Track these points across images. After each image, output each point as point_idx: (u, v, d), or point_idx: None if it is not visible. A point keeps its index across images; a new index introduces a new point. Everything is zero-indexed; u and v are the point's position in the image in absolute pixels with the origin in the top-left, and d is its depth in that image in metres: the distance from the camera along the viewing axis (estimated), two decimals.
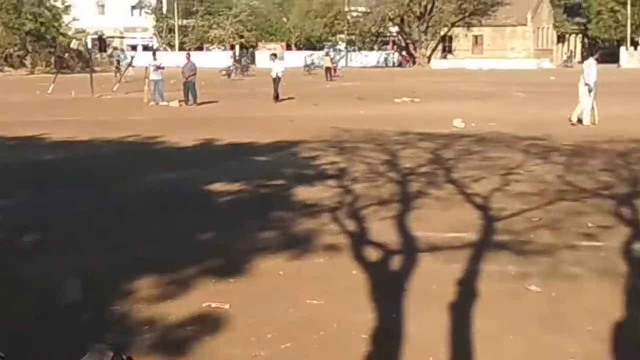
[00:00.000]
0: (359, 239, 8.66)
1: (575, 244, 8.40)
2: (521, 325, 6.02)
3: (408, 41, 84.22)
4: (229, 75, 58.93)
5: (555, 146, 16.53)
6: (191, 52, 38.50)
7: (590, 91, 21.37)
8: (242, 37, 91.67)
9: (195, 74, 30.95)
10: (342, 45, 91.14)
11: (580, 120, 21.24)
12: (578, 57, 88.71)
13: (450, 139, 17.83)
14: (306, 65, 65.21)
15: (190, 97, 30.40)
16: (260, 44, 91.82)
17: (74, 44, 57.59)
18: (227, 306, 6.45)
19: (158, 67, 31.11)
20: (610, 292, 6.73)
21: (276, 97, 31.94)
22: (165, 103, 30.14)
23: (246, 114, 26.18)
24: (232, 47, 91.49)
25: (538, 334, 5.85)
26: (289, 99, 32.19)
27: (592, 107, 21.29)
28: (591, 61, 22.54)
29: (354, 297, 6.66)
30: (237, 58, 70.80)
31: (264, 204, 10.88)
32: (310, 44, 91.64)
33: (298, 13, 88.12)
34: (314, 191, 11.60)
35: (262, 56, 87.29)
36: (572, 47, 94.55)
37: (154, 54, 35.00)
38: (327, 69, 54.58)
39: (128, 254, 8.18)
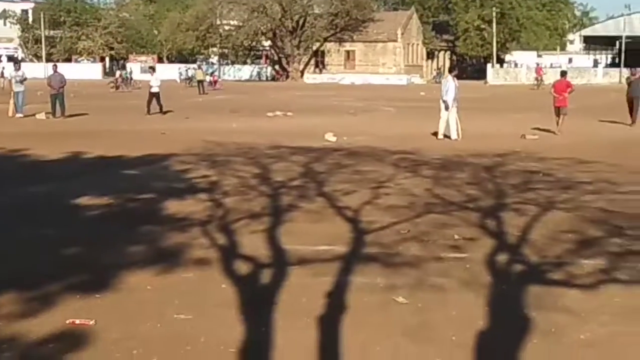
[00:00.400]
0: (229, 253, 8.61)
1: (442, 255, 8.57)
2: (388, 336, 6.09)
3: (281, 55, 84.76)
4: (117, 87, 58.49)
5: (424, 160, 16.87)
6: (59, 64, 37.82)
7: (446, 107, 21.88)
8: (112, 49, 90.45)
9: (64, 86, 30.25)
10: (214, 59, 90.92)
11: (447, 136, 21.73)
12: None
13: (322, 153, 17.96)
14: (187, 79, 64.62)
15: (59, 109, 29.68)
16: (131, 57, 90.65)
17: None
18: (92, 322, 6.29)
19: (22, 79, 30.31)
20: (474, 302, 6.90)
21: (161, 110, 31.71)
22: (20, 115, 29.36)
23: (116, 127, 25.67)
24: (102, 59, 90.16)
25: (404, 345, 5.92)
26: (166, 112, 31.77)
27: (456, 122, 21.76)
28: (449, 78, 23.03)
29: (223, 312, 6.60)
30: (123, 70, 69.79)
31: (132, 217, 10.69)
32: (183, 57, 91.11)
33: (169, 26, 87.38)
34: (184, 205, 11.47)
35: (133, 69, 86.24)
36: (441, 64, 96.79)
37: (17, 65, 34.17)
38: (200, 82, 54.17)
39: None
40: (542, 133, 23.52)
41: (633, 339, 6.05)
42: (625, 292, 7.19)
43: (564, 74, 26.59)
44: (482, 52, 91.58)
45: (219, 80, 65.87)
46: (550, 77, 76.69)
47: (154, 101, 31.69)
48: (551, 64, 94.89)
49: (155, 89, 31.91)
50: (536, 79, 66.84)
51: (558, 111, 24.25)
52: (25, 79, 30.57)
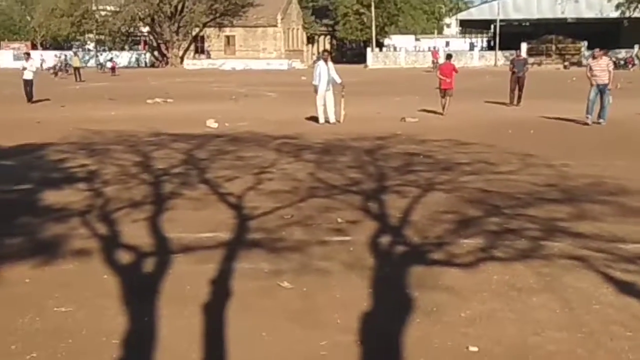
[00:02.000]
0: (111, 243, 8.47)
1: (326, 239, 8.63)
2: (274, 321, 6.11)
3: (160, 41, 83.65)
4: (56, 74, 58.99)
5: (307, 144, 16.95)
6: None
7: (315, 91, 22.07)
8: None
9: None
10: (91, 45, 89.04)
11: (328, 120, 21.89)
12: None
13: (204, 140, 17.84)
14: (54, 67, 63.10)
15: None
16: (3, 44, 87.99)
17: None
18: None
19: None
20: (358, 284, 6.98)
21: (30, 99, 30.82)
22: None
23: None
24: None
25: (290, 330, 5.95)
26: (44, 100, 30.91)
27: (334, 105, 21.96)
28: (319, 62, 23.14)
29: (105, 302, 6.50)
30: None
31: (8, 209, 10.39)
32: (58, 44, 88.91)
33: (43, 11, 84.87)
34: (62, 195, 11.22)
35: (5, 56, 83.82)
36: (321, 48, 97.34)
37: None
38: (76, 69, 52.96)
39: None
40: (423, 115, 23.97)
41: (512, 315, 6.23)
42: (504, 270, 7.38)
43: (449, 57, 27.44)
44: (361, 36, 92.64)
45: (117, 66, 65.52)
46: (428, 61, 78.47)
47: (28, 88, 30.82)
48: (429, 48, 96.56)
49: (28, 76, 31.08)
50: (432, 62, 67.95)
51: (444, 93, 24.86)
52: None
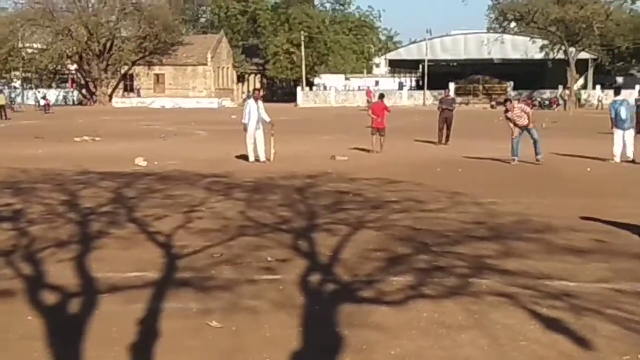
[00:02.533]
0: (35, 283, 8.30)
1: (255, 277, 8.58)
2: None
3: (88, 79, 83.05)
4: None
5: (237, 183, 16.91)
6: None
7: (244, 129, 22.10)
8: None
9: None
10: (17, 83, 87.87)
11: (257, 159, 21.89)
12: None
13: (133, 178, 17.68)
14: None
15: None
16: None
17: None
18: None
19: None
20: (288, 323, 6.94)
21: None
22: None
23: None
24: None
25: None
26: None
27: (265, 143, 22.00)
28: (249, 101, 23.20)
29: (29, 344, 6.35)
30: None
31: None
32: None
33: None
34: None
35: None
36: (252, 87, 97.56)
37: None
38: (1, 107, 52.13)
39: None
40: (353, 153, 24.13)
41: (440, 352, 6.25)
42: (433, 307, 7.42)
43: (382, 96, 28.07)
44: (291, 75, 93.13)
45: (51, 104, 65.48)
46: (358, 100, 79.26)
47: None
48: (359, 87, 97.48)
49: None
50: (367, 101, 68.46)
51: (377, 132, 25.24)
52: None
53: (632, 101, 25.85)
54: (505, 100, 22.86)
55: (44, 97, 69.32)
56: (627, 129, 21.74)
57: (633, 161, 21.36)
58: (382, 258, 9.47)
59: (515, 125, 21.36)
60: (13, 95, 79.26)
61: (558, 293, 7.88)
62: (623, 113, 21.79)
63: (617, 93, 25.12)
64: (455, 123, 29.46)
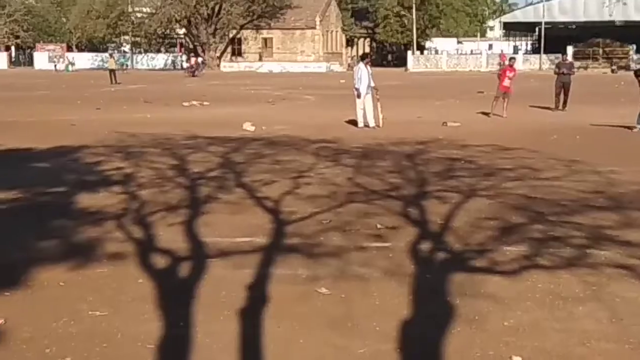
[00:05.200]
0: (146, 247, 8.52)
1: (365, 245, 8.61)
2: (311, 328, 6.11)
3: (196, 43, 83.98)
4: (193, 74, 63.87)
5: (345, 149, 16.95)
6: None
7: (358, 96, 22.03)
8: (17, 37, 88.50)
9: None
10: (127, 47, 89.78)
11: (367, 124, 21.86)
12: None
13: (241, 143, 17.90)
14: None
15: None
16: (38, 45, 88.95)
17: None
18: (1, 321, 6.16)
19: None
20: (397, 291, 6.95)
21: None
22: None
23: (22, 118, 25.16)
24: (7, 48, 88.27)
25: (328, 336, 5.94)
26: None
27: (373, 108, 21.95)
28: (360, 65, 23.13)
29: (140, 307, 6.54)
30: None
31: (43, 212, 10.47)
32: (93, 46, 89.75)
33: (78, 13, 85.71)
34: (97, 198, 11.31)
35: (40, 57, 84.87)
36: (361, 51, 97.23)
37: None
38: (112, 72, 53.39)
39: None
40: (465, 119, 23.86)
41: (556, 325, 6.17)
42: (548, 278, 7.32)
43: (511, 60, 27.93)
44: (402, 39, 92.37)
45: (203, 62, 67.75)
46: (471, 64, 78.30)
47: None
48: (471, 51, 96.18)
49: None
50: (499, 64, 67.63)
51: (502, 94, 25.80)
52: None
53: None
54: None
55: (189, 59, 71.12)
56: None
57: None
58: (495, 227, 9.38)
59: None
60: (123, 60, 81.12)
61: None
62: None
63: None
64: (573, 88, 28.80)
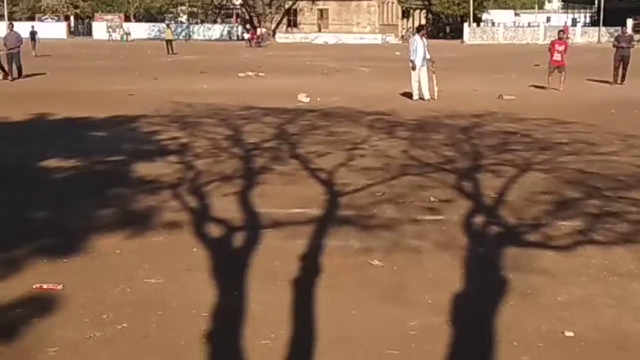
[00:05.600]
0: (201, 216, 8.61)
1: (418, 217, 8.61)
2: (364, 299, 6.13)
3: (252, 14, 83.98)
4: (258, 44, 65.86)
5: (400, 121, 16.90)
6: (22, 23, 37.32)
7: (413, 68, 21.89)
8: (76, 7, 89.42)
9: (19, 45, 29.59)
10: (183, 18, 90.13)
11: (422, 97, 21.75)
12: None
13: (295, 114, 17.94)
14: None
15: (15, 70, 29.27)
16: (96, 15, 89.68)
17: None
18: (60, 287, 6.28)
19: None
20: (450, 264, 6.95)
21: (10, 74, 29.14)
22: None
23: (81, 87, 25.44)
24: (67, 18, 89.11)
25: (380, 307, 5.97)
26: (26, 76, 29.73)
27: (429, 81, 21.84)
28: (416, 37, 22.98)
29: (195, 275, 6.62)
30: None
31: (101, 180, 10.63)
32: (151, 16, 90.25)
33: None
34: (154, 167, 11.44)
35: (99, 28, 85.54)
36: (417, 23, 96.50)
37: None
38: (169, 42, 53.67)
39: None
40: (521, 92, 23.64)
41: (610, 301, 6.13)
42: (603, 254, 7.26)
43: (560, 33, 27.64)
44: (458, 11, 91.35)
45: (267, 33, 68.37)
46: (528, 37, 77.33)
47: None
48: (529, 23, 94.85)
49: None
50: (566, 37, 66.77)
51: (556, 69, 25.55)
52: None
53: None
54: None
55: (252, 29, 72.02)
56: None
57: None
58: (550, 201, 9.32)
59: None
60: (187, 31, 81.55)
61: None
62: None
63: None
64: (632, 62, 28.30)
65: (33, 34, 50.41)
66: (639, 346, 5.34)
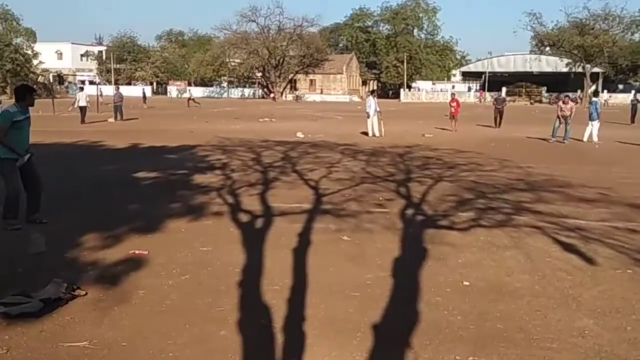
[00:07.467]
0: (235, 208, 8.56)
1: (371, 210, 8.59)
2: (337, 261, 6.12)
3: (267, 82, 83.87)
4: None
5: (360, 149, 16.85)
6: (121, 86, 37.23)
7: (368, 117, 21.84)
8: (157, 77, 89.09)
9: (122, 100, 29.69)
10: (225, 84, 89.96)
11: (374, 134, 21.72)
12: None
13: (295, 145, 17.88)
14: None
15: (119, 115, 29.15)
16: (170, 82, 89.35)
17: (40, 79, 54.39)
18: (146, 252, 6.26)
19: (87, 96, 28.05)
20: (392, 239, 6.94)
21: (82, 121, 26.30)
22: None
23: (160, 127, 25.30)
24: (151, 83, 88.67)
25: (347, 267, 5.96)
26: (89, 122, 26.93)
27: (378, 124, 21.74)
28: (370, 98, 22.92)
29: (231, 246, 6.59)
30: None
31: (172, 185, 10.56)
32: (204, 82, 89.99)
33: (195, 62, 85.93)
34: (206, 177, 11.38)
35: (172, 89, 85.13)
36: (371, 88, 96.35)
37: (82, 88, 32.96)
38: (189, 99, 49.53)
39: (78, 218, 7.80)
40: (437, 132, 23.65)
41: (491, 262, 6.15)
42: (487, 233, 7.27)
43: (453, 95, 27.61)
44: (397, 81, 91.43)
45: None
46: (440, 97, 77.20)
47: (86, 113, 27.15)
48: (441, 89, 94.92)
49: (82, 104, 27.00)
50: (479, 99, 67.41)
51: (453, 118, 25.32)
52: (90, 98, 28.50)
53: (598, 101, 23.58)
54: (565, 97, 21.71)
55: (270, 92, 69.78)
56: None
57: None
58: (454, 200, 9.32)
59: (561, 115, 20.43)
60: (223, 92, 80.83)
61: (572, 227, 7.59)
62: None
63: (595, 95, 24.25)
64: (505, 114, 28.37)
65: (144, 94, 49.04)
66: (509, 291, 5.36)
